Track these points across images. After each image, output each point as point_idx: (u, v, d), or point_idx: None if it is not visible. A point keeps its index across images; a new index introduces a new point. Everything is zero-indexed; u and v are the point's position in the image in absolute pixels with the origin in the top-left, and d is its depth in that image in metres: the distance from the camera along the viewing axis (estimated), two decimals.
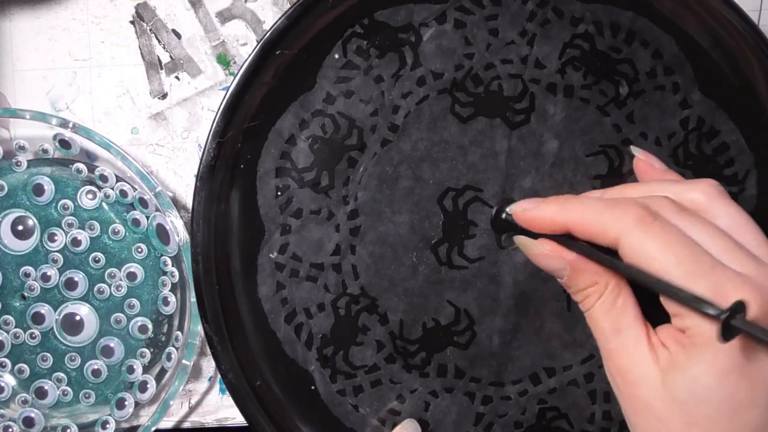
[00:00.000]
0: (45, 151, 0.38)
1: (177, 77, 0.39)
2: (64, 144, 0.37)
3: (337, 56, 0.35)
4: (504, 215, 0.35)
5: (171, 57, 0.39)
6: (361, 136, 0.35)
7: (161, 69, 0.39)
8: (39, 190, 0.38)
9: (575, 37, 0.35)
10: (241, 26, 0.39)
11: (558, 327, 0.36)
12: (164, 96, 0.39)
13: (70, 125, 0.36)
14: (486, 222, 0.35)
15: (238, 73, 0.34)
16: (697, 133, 0.35)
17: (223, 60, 0.39)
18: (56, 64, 0.39)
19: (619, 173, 0.36)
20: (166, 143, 0.40)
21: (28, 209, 0.38)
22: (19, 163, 0.38)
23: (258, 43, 0.34)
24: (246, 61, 0.34)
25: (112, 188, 0.38)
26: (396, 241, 0.35)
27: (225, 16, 0.39)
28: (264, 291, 0.35)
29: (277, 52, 0.34)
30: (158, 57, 0.39)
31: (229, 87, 0.34)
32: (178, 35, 0.39)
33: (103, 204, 0.38)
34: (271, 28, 0.34)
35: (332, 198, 0.35)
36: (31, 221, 0.38)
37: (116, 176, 0.38)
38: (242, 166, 0.35)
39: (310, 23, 0.34)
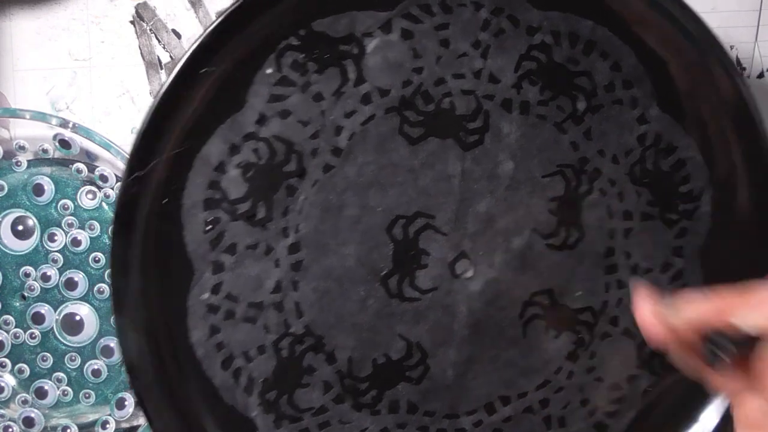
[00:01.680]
0: (45, 151, 0.38)
1: None
2: (64, 144, 0.37)
3: (269, 71, 0.31)
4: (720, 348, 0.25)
5: (171, 57, 0.39)
6: (300, 162, 0.32)
7: (161, 69, 0.39)
8: (39, 190, 0.38)
9: (532, 48, 0.32)
10: None
11: (514, 354, 0.34)
12: None
13: (70, 125, 0.36)
14: (439, 251, 0.33)
15: (157, 96, 0.30)
16: (654, 149, 0.33)
17: None
18: (56, 64, 0.39)
19: (574, 195, 0.33)
20: None
21: (28, 209, 0.38)
22: (19, 163, 0.38)
23: (179, 62, 0.30)
24: (165, 83, 0.30)
25: (112, 188, 0.38)
26: (342, 274, 0.33)
27: None
28: (196, 336, 0.32)
29: (202, 71, 0.30)
30: (158, 57, 0.39)
31: (146, 113, 0.30)
32: (178, 35, 0.39)
33: (103, 204, 0.38)
34: (193, 45, 0.30)
35: (270, 230, 0.32)
36: (31, 221, 0.38)
37: (116, 176, 0.38)
38: (166, 199, 0.31)
39: (238, 36, 0.30)
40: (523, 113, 0.33)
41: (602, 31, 0.33)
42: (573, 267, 0.34)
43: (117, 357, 0.38)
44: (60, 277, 0.38)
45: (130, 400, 0.38)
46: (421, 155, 0.32)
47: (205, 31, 0.30)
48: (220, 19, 0.29)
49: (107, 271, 0.38)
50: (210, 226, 0.32)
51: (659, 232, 0.34)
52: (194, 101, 0.31)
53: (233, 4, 0.30)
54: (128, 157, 0.30)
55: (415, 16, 0.32)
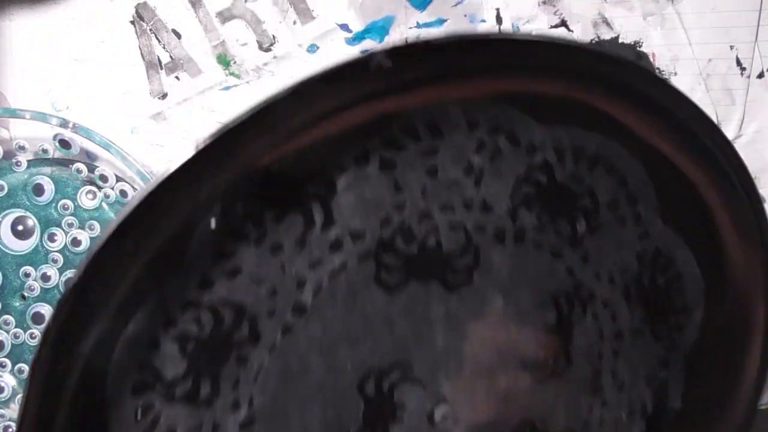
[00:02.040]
0: (45, 151, 0.38)
1: (177, 77, 0.39)
2: (64, 144, 0.37)
3: (213, 224, 0.24)
4: None
5: (171, 57, 0.39)
6: (254, 326, 0.26)
7: (161, 69, 0.39)
8: (39, 190, 0.38)
9: (531, 169, 0.27)
10: (241, 26, 0.39)
11: None
12: (164, 96, 0.39)
13: (70, 125, 0.36)
14: (416, 401, 0.28)
15: (79, 271, 0.22)
16: (652, 265, 0.30)
17: (223, 60, 0.39)
18: (56, 64, 0.39)
19: (566, 323, 0.30)
20: (166, 143, 0.40)
21: (28, 209, 0.38)
22: (19, 163, 0.38)
23: (106, 233, 0.23)
24: (87, 260, 0.22)
25: (112, 188, 0.38)
26: None
27: (225, 16, 0.39)
28: None
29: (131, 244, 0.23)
30: (158, 57, 0.39)
31: (62, 295, 0.23)
32: (178, 35, 0.39)
33: (103, 204, 0.38)
34: (122, 217, 0.22)
35: (216, 407, 0.26)
36: (31, 221, 0.38)
37: (116, 176, 0.38)
38: (83, 393, 0.24)
39: (179, 193, 0.23)
40: (518, 243, 0.28)
41: (611, 144, 0.28)
42: (557, 395, 0.31)
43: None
44: (60, 277, 0.38)
45: None
46: (399, 303, 0.27)
47: (137, 198, 0.23)
48: (156, 186, 0.22)
49: None
50: (142, 414, 0.25)
51: (648, 346, 0.31)
52: (119, 271, 0.23)
53: (176, 168, 0.23)
54: (35, 356, 0.23)
55: (398, 143, 0.26)
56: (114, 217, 0.24)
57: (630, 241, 0.30)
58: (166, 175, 0.22)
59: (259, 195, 0.25)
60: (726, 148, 0.29)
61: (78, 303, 0.23)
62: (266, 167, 0.24)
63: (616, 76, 0.26)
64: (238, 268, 0.25)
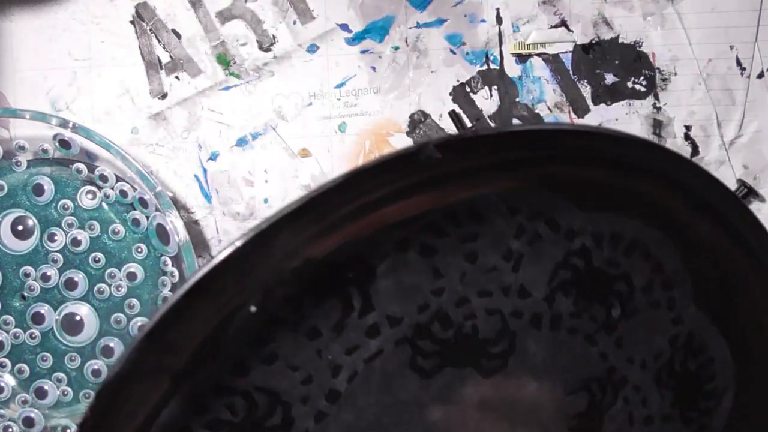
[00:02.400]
0: (45, 151, 0.38)
1: (177, 77, 0.39)
2: (64, 144, 0.37)
3: (253, 309, 0.24)
4: None
5: (171, 57, 0.39)
6: (287, 413, 0.25)
7: (161, 69, 0.39)
8: (39, 190, 0.38)
9: (570, 255, 0.27)
10: (241, 26, 0.39)
11: None
12: (164, 96, 0.39)
13: (70, 125, 0.36)
14: None
15: (111, 372, 0.22)
16: (684, 350, 0.29)
17: (223, 60, 0.39)
18: (56, 64, 0.39)
19: (598, 408, 0.29)
20: (166, 143, 0.39)
21: (28, 209, 0.38)
22: (19, 163, 0.38)
23: (137, 339, 0.23)
24: (121, 362, 0.22)
25: (112, 188, 0.38)
26: None
27: (225, 16, 0.39)
28: None
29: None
30: (158, 57, 0.39)
31: (101, 384, 0.23)
32: (178, 35, 0.39)
33: (103, 204, 0.38)
34: (154, 322, 0.22)
35: None
36: (31, 221, 0.38)
37: (116, 176, 0.38)
38: None
39: (221, 286, 0.23)
40: (553, 329, 0.28)
41: (649, 229, 0.27)
42: None
43: (117, 357, 0.38)
44: (60, 277, 0.38)
45: None
46: (433, 389, 0.27)
47: (166, 306, 0.23)
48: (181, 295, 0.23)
49: (107, 271, 0.38)
50: None
51: (678, 431, 0.31)
52: (157, 367, 0.23)
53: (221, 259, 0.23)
54: None
55: (439, 228, 0.26)
56: (158, 308, 0.23)
57: (663, 326, 0.29)
58: (210, 266, 0.22)
59: (299, 281, 0.24)
60: (761, 235, 0.28)
61: (115, 395, 0.23)
62: (308, 254, 0.24)
63: (659, 164, 0.26)
64: (275, 353, 0.25)
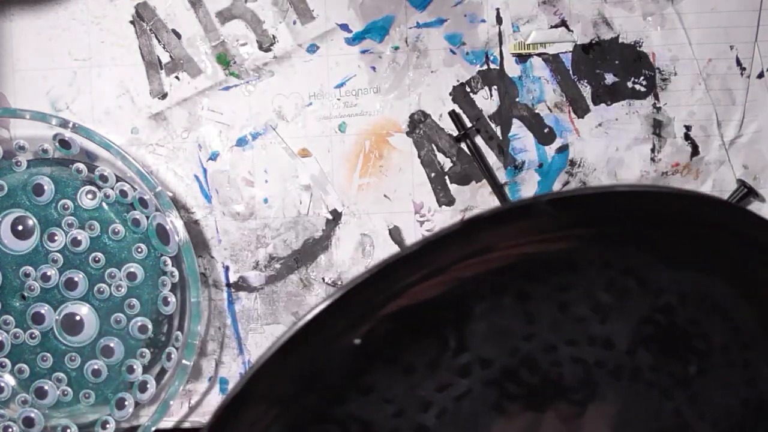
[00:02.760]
0: (45, 151, 0.38)
1: (177, 77, 0.39)
2: (64, 144, 0.37)
3: (357, 342, 0.25)
4: None
5: (171, 57, 0.39)
6: None
7: (161, 69, 0.39)
8: (39, 190, 0.38)
9: (654, 310, 0.28)
10: (241, 26, 0.39)
11: None
12: (164, 96, 0.39)
13: (70, 125, 0.36)
14: None
15: (229, 395, 0.24)
16: (756, 413, 0.30)
17: (223, 60, 0.39)
18: (56, 64, 0.39)
19: None
20: (166, 143, 0.39)
21: (28, 209, 0.38)
22: (19, 163, 0.38)
23: (256, 365, 0.23)
24: (239, 386, 0.24)
25: (112, 188, 0.38)
26: None
27: (225, 16, 0.39)
28: None
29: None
30: (158, 57, 0.39)
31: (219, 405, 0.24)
32: (178, 35, 0.39)
33: (103, 204, 0.38)
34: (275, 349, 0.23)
35: None
36: (31, 221, 0.38)
37: (116, 176, 0.38)
38: None
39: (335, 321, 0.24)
40: (632, 381, 0.28)
41: (733, 293, 0.28)
42: None
43: (117, 357, 0.38)
44: (60, 277, 0.38)
45: (130, 400, 0.38)
46: (514, 430, 0.28)
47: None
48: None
49: (107, 271, 0.38)
50: None
51: None
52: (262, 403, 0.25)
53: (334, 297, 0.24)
54: None
55: (536, 275, 0.27)
56: (266, 351, 0.24)
57: (736, 386, 0.29)
58: (330, 301, 0.23)
59: (400, 319, 0.26)
60: None
61: (230, 417, 0.24)
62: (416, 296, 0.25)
63: (743, 227, 0.27)
64: (371, 386, 0.26)
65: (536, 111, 0.39)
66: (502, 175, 0.39)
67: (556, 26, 0.39)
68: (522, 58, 0.39)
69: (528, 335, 0.27)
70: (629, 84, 0.39)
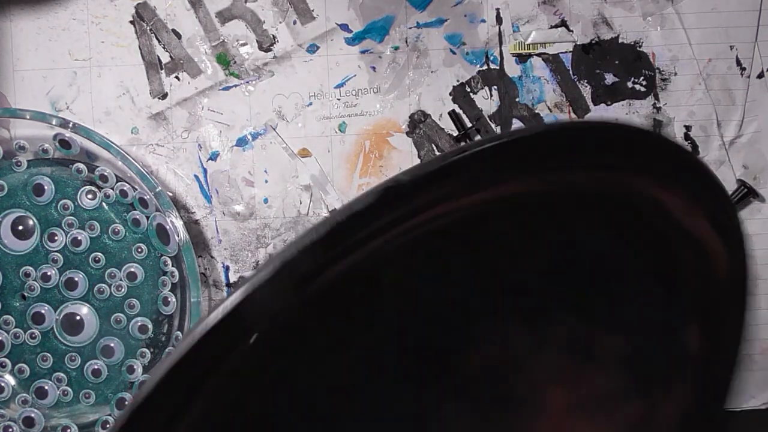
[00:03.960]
0: (45, 151, 0.38)
1: (177, 77, 0.39)
2: (64, 144, 0.37)
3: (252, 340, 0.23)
4: None
5: (171, 57, 0.39)
6: None
7: (161, 69, 0.39)
8: (39, 190, 0.38)
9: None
10: (241, 26, 0.39)
11: None
12: (164, 96, 0.39)
13: (70, 125, 0.36)
14: None
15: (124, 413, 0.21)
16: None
17: (223, 60, 0.39)
18: (56, 64, 0.39)
19: None
20: (166, 143, 0.39)
21: (28, 209, 0.38)
22: (19, 163, 0.38)
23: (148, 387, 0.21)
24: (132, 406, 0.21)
25: (112, 188, 0.38)
26: None
27: (225, 16, 0.39)
28: None
29: None
30: (158, 57, 0.39)
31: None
32: (178, 35, 0.39)
33: (103, 204, 0.38)
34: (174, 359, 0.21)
35: None
36: (31, 221, 0.38)
37: (116, 176, 0.38)
38: None
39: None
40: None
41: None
42: None
43: (117, 357, 0.38)
44: (60, 277, 0.38)
45: (130, 400, 0.38)
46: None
47: None
48: None
49: (107, 271, 0.38)
50: None
51: None
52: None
53: None
54: None
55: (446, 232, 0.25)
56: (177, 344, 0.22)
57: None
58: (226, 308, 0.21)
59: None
60: None
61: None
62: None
63: None
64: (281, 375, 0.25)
65: (536, 111, 0.39)
66: None
67: (556, 26, 0.39)
68: (522, 58, 0.39)
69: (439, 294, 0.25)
70: (629, 84, 0.39)
